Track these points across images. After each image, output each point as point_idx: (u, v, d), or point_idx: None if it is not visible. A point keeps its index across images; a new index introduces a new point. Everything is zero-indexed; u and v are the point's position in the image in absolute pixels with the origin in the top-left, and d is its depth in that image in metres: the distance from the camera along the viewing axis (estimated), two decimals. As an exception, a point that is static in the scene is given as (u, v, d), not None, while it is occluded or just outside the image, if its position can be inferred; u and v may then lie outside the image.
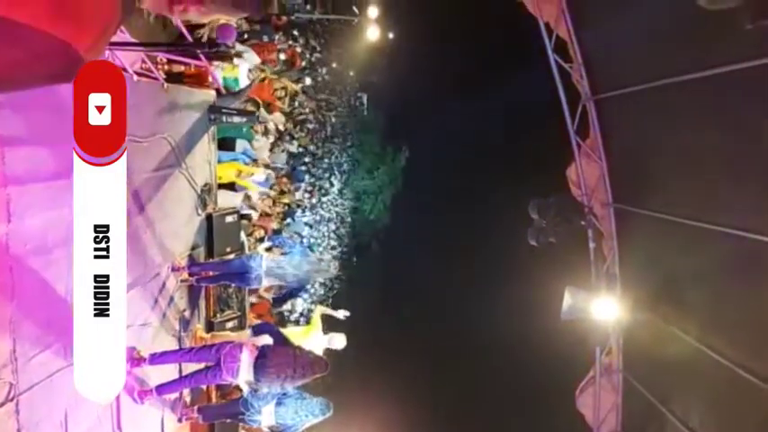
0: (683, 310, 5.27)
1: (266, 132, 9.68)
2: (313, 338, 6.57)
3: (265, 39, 9.55)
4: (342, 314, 7.10)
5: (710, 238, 4.65)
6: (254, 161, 9.37)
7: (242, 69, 7.86)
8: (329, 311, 7.32)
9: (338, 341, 6.62)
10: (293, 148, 13.39)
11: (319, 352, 6.10)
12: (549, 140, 7.65)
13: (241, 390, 5.25)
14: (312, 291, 16.67)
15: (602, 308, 6.00)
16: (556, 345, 8.20)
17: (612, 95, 5.70)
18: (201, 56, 6.19)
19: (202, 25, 6.27)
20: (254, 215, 9.45)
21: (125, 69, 5.09)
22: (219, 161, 7.97)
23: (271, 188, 10.25)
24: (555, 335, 7.43)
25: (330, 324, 7.08)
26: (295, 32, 12.85)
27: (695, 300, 5.20)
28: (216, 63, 7.08)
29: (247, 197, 8.67)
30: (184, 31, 5.12)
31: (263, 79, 8.46)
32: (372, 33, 15.48)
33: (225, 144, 8.33)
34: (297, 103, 11.63)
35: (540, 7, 5.73)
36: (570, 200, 6.43)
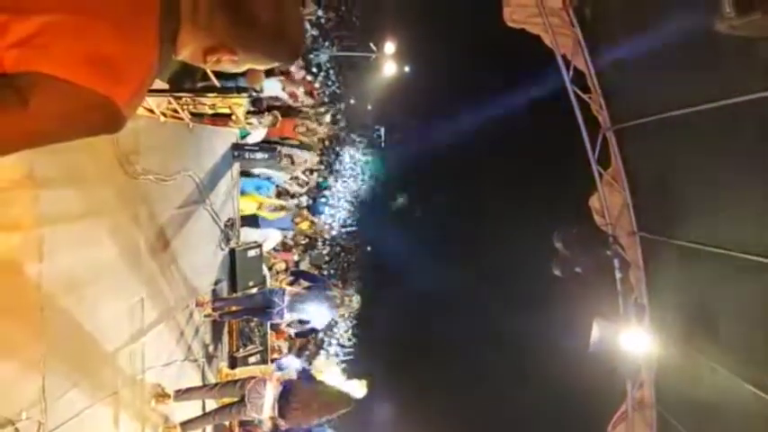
0: (718, 341, 5.09)
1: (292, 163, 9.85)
2: (334, 374, 6.46)
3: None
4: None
5: (744, 268, 4.52)
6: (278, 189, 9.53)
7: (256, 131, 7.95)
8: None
9: (358, 390, 6.33)
10: (313, 179, 13.57)
11: (342, 386, 6.02)
12: (570, 170, 7.60)
13: (264, 426, 5.19)
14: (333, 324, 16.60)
15: (631, 340, 5.83)
16: (585, 377, 7.97)
17: (633, 125, 5.67)
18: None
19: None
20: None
21: (152, 111, 5.26)
22: (242, 192, 8.09)
23: (292, 219, 10.37)
24: (584, 367, 7.23)
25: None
26: (314, 70, 13.17)
27: (730, 331, 5.03)
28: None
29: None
30: (211, 75, 5.29)
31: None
32: (389, 68, 15.79)
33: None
34: (316, 139, 11.88)
35: (557, 40, 5.78)
36: (594, 229, 6.34)
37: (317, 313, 5.93)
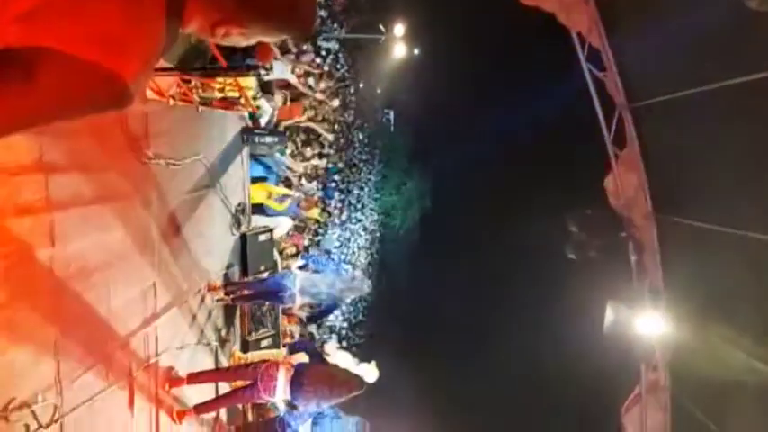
0: (735, 323, 5.02)
1: (298, 150, 9.81)
2: (345, 358, 6.49)
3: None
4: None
5: (761, 249, 4.43)
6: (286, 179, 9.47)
7: (264, 107, 7.86)
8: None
9: (370, 373, 6.30)
10: (323, 164, 13.53)
11: (354, 370, 6.03)
12: (583, 151, 7.50)
13: (277, 408, 5.22)
14: (344, 309, 16.70)
15: (646, 323, 5.78)
16: (598, 360, 7.94)
17: (650, 103, 5.54)
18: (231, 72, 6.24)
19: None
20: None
21: (161, 94, 5.22)
22: (252, 179, 8.07)
23: (298, 205, 10.34)
24: (597, 350, 7.20)
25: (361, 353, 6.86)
26: (323, 53, 13.04)
27: (747, 313, 4.95)
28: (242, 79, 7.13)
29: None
30: (217, 53, 5.23)
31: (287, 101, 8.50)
32: (399, 51, 15.61)
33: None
34: (322, 117, 11.77)
35: (571, 18, 5.64)
36: (608, 211, 6.25)
37: (328, 297, 5.93)
